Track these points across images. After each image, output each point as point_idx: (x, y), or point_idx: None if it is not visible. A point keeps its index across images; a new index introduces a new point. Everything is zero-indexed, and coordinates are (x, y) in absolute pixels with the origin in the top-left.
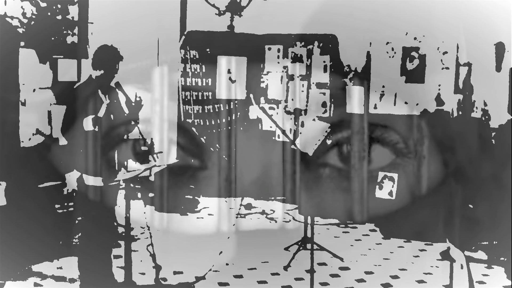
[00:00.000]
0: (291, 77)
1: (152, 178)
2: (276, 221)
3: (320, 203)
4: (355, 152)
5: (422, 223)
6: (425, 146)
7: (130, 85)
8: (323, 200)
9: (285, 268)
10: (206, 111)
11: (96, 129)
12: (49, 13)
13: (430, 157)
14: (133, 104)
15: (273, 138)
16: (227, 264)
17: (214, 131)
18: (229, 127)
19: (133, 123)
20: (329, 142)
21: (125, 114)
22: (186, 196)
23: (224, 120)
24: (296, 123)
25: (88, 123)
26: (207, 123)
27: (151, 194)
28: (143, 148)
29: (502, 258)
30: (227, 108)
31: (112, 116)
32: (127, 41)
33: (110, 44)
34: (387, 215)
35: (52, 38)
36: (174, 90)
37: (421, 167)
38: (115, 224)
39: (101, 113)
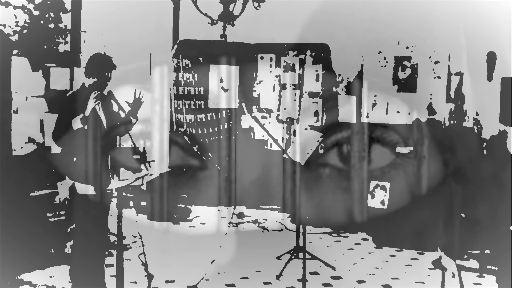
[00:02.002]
0: (283, 86)
1: (144, 187)
2: (268, 230)
3: (320, 203)
4: (355, 152)
5: (422, 223)
6: (425, 146)
7: (130, 85)
8: (323, 200)
9: (277, 277)
10: (198, 120)
11: (86, 128)
12: (41, 22)
13: (430, 157)
14: (132, 103)
15: (265, 147)
16: (219, 273)
17: (207, 140)
18: (222, 136)
19: (134, 121)
20: (321, 151)
21: (117, 123)
22: (178, 205)
23: (217, 129)
24: (288, 132)
25: (76, 123)
26: (200, 132)
27: (143, 203)
28: (135, 156)
29: (493, 267)
30: (219, 117)
31: (105, 123)
32: (127, 41)
33: (104, 46)
34: (387, 215)
35: (45, 46)
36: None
37: (421, 167)
38: (108, 233)
39: (87, 112)
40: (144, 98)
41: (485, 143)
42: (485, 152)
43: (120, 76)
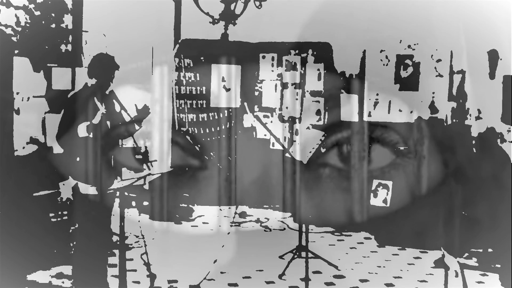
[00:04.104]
0: (285, 85)
1: (146, 187)
2: (270, 229)
3: (320, 203)
4: (355, 152)
5: (422, 223)
6: (425, 146)
7: (130, 85)
8: (323, 200)
9: (280, 276)
10: (200, 119)
11: (91, 136)
12: (43, 22)
13: (430, 157)
14: (140, 110)
15: (269, 146)
16: (221, 273)
17: (209, 139)
18: (224, 136)
19: (137, 127)
20: (323, 150)
21: (119, 123)
22: (181, 205)
23: (219, 129)
24: (290, 131)
25: (82, 130)
26: (202, 132)
27: (145, 203)
28: (137, 156)
29: (496, 265)
30: (221, 116)
31: (108, 123)
32: (127, 41)
33: (106, 46)
34: (387, 215)
35: (46, 47)
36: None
37: (421, 167)
38: (110, 233)
39: (96, 120)
40: (149, 110)
41: (473, 141)
42: (474, 150)
43: (120, 76)
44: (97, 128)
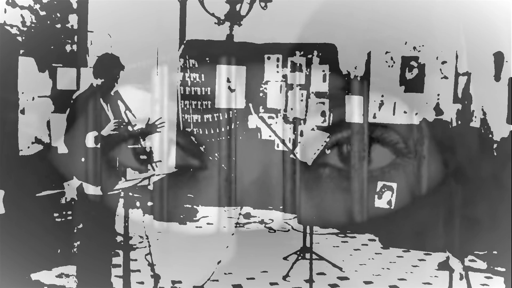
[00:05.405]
0: (290, 87)
1: (151, 187)
2: (275, 231)
3: (320, 203)
4: (355, 152)
5: (422, 223)
6: (425, 146)
7: (130, 85)
8: (323, 200)
9: (284, 277)
10: (205, 120)
11: (98, 146)
12: (48, 22)
13: (430, 157)
14: (147, 124)
15: (274, 147)
16: (225, 274)
17: (213, 140)
18: (228, 136)
19: (142, 142)
20: (328, 151)
21: (124, 124)
22: (185, 205)
23: (223, 129)
24: (295, 132)
25: (89, 140)
26: (206, 132)
27: (149, 203)
28: (142, 157)
29: (501, 269)
30: (226, 117)
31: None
32: (128, 41)
33: (111, 46)
34: (388, 215)
35: (52, 47)
36: (174, 90)
37: (421, 167)
38: (114, 233)
39: (105, 132)
40: (161, 129)
41: (495, 145)
42: (495, 153)
43: (121, 76)
44: (102, 122)
